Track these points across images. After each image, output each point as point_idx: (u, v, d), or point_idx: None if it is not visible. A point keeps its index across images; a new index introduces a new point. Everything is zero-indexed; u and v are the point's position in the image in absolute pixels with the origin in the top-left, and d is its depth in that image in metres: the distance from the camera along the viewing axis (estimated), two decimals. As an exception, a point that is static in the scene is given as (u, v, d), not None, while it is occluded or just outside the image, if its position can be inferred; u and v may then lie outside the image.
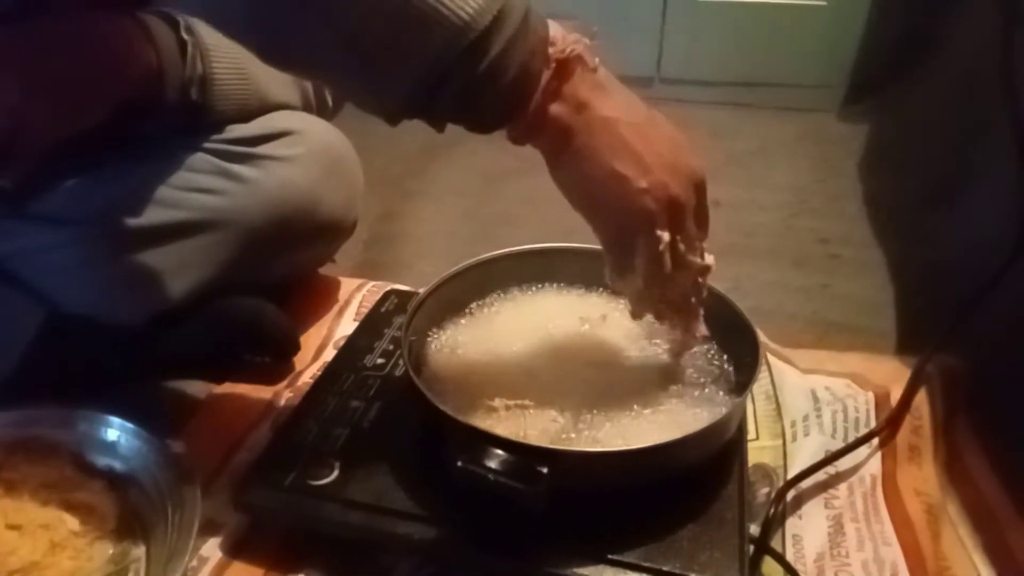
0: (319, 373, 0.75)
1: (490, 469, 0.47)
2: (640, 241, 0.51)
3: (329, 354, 0.82)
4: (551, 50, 0.46)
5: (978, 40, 0.97)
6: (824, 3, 1.95)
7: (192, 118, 0.72)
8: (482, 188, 1.49)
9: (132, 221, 0.71)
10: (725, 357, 0.65)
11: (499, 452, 0.48)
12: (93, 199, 0.71)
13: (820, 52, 1.99)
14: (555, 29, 0.47)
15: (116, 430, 0.64)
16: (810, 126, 1.88)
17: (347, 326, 0.87)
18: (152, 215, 0.71)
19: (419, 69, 0.43)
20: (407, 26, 0.42)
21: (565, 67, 0.47)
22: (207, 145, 0.75)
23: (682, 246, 0.52)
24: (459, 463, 0.48)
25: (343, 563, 0.56)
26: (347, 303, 0.91)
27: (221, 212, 0.73)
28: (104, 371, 0.72)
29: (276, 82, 0.79)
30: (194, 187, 0.73)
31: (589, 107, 0.48)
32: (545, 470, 0.48)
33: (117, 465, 0.63)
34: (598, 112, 0.48)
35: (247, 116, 0.77)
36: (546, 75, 0.46)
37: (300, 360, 0.81)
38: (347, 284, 0.96)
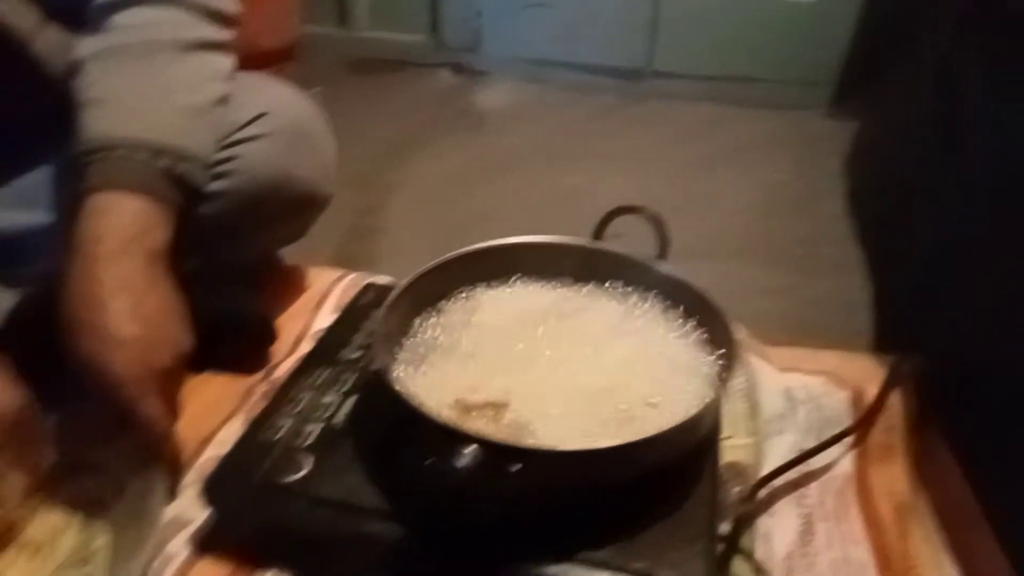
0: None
1: (458, 468, 0.46)
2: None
3: (307, 346, 0.81)
4: None
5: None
6: (813, -1, 1.95)
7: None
8: (458, 184, 1.49)
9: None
10: (703, 352, 0.64)
11: (467, 451, 0.47)
12: (65, 183, 0.70)
13: (809, 49, 2.00)
14: None
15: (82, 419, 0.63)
16: (797, 123, 1.89)
17: (325, 318, 0.86)
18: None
19: None
20: None
21: None
22: None
23: None
24: (427, 461, 0.48)
25: (311, 561, 0.56)
26: (326, 295, 0.91)
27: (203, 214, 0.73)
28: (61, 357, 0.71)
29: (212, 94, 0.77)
30: None
31: None
32: (514, 468, 0.47)
33: (82, 453, 0.62)
34: None
35: None
36: None
37: (277, 352, 0.80)
38: (326, 276, 0.95)
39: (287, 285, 0.93)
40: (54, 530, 0.57)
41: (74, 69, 0.66)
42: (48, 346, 0.71)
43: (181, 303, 0.61)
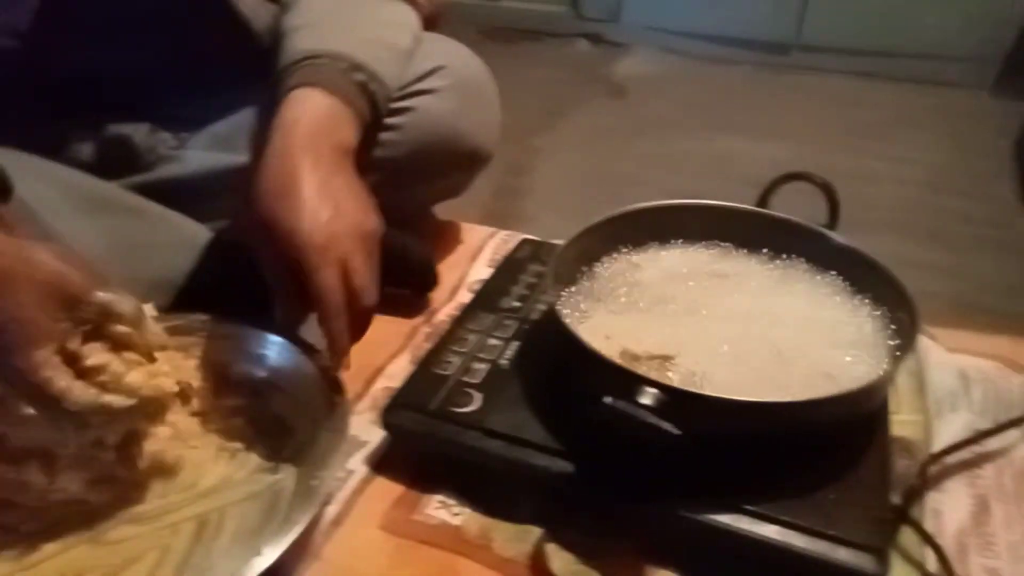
0: (456, 312, 0.78)
1: (640, 406, 0.48)
2: None
3: (463, 295, 0.84)
4: None
5: None
6: (988, -31, 1.82)
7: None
8: (602, 149, 1.49)
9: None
10: (875, 324, 0.63)
11: (650, 390, 0.48)
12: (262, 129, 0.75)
13: (974, 23, 1.86)
14: None
15: (266, 343, 0.68)
16: (958, 101, 1.77)
17: (480, 270, 0.89)
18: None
19: None
20: None
21: None
22: None
23: None
24: (606, 400, 0.49)
25: (477, 489, 0.59)
26: (481, 249, 0.94)
27: (380, 149, 0.77)
28: (259, 292, 0.77)
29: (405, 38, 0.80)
30: None
31: None
32: (691, 414, 0.48)
33: (264, 375, 0.67)
34: None
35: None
36: None
37: (436, 298, 0.84)
38: (479, 231, 0.98)
39: (442, 238, 0.97)
40: (247, 439, 0.63)
41: (286, 7, 0.71)
42: (238, 276, 0.77)
43: (369, 193, 0.64)
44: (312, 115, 0.63)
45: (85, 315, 0.50)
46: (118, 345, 0.52)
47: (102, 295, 0.50)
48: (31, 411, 0.57)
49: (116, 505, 0.56)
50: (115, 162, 0.77)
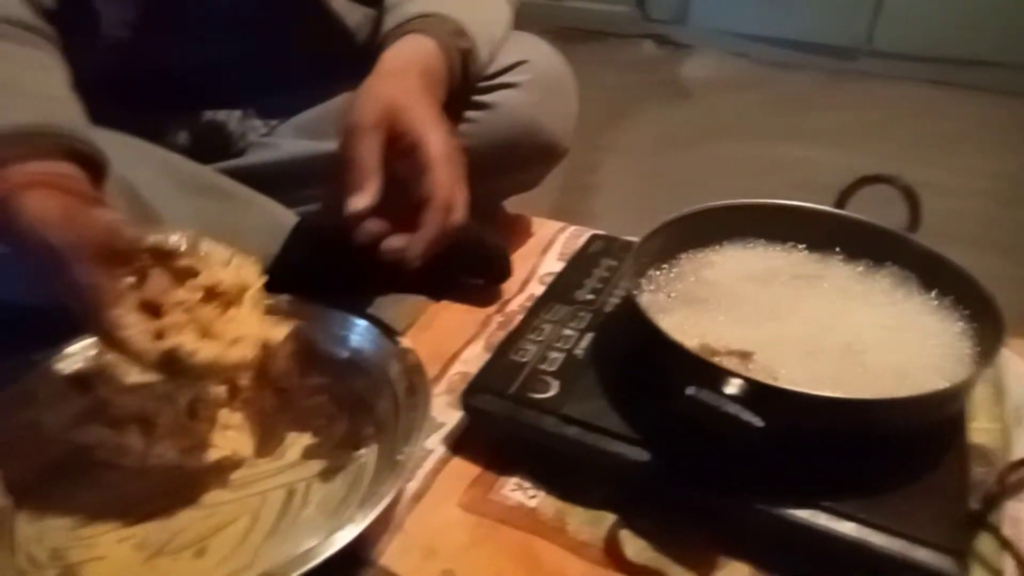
0: (528, 303, 0.79)
1: (724, 397, 0.49)
2: None
3: (534, 287, 0.86)
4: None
5: None
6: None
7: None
8: (669, 149, 1.50)
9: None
10: (957, 330, 0.62)
11: (736, 381, 0.49)
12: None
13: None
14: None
15: (350, 325, 0.71)
16: (1034, 111, 1.72)
17: (551, 264, 0.91)
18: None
19: None
20: None
21: None
22: None
23: None
24: (689, 390, 0.50)
25: (553, 473, 0.60)
26: (551, 243, 0.96)
27: (464, 139, 0.79)
28: (341, 275, 0.79)
29: (501, 27, 0.83)
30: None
31: None
32: (773, 409, 0.49)
33: (346, 355, 0.70)
34: None
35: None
36: None
37: (507, 289, 0.86)
38: (549, 226, 1.00)
39: (512, 231, 0.98)
40: (330, 416, 0.66)
41: None
42: (317, 264, 0.80)
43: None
44: (412, 54, 0.68)
45: (143, 261, 0.49)
46: (184, 277, 0.51)
47: (151, 237, 0.50)
48: (133, 379, 0.61)
49: (209, 472, 0.60)
50: (209, 147, 0.80)
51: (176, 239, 0.51)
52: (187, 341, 0.50)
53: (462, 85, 0.74)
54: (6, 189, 0.50)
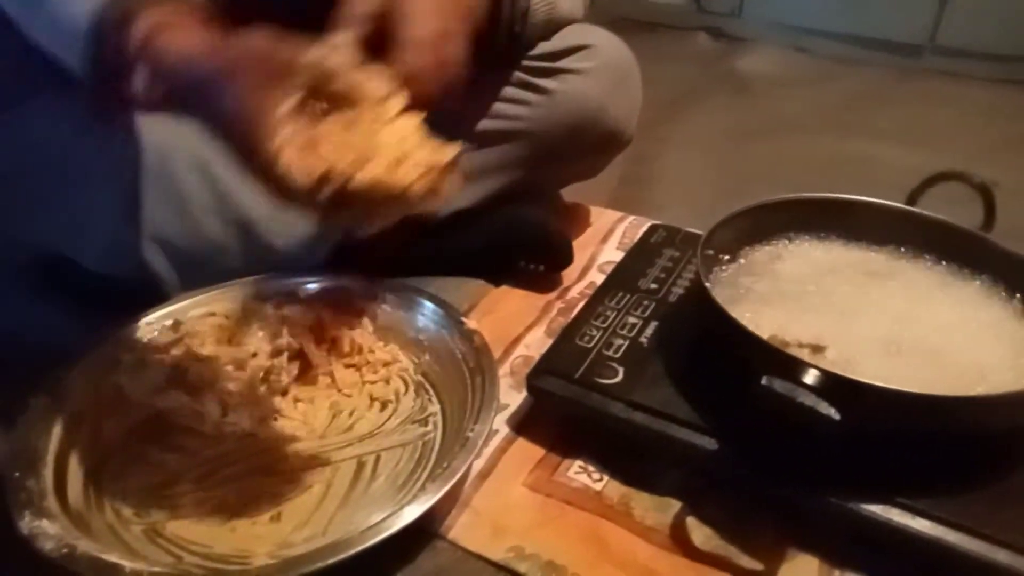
0: (588, 291, 0.80)
1: (801, 387, 0.48)
2: None
3: (594, 275, 0.86)
4: None
5: None
6: None
7: (514, 48, 0.78)
8: (729, 142, 1.48)
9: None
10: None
11: (813, 371, 0.49)
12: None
13: None
14: None
15: (416, 304, 0.72)
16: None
17: (611, 253, 0.91)
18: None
19: None
20: None
21: None
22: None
23: None
24: (763, 380, 0.50)
25: (618, 458, 0.61)
26: (611, 232, 0.95)
27: (524, 122, 0.80)
28: (405, 257, 0.81)
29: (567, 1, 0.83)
30: (503, 98, 0.80)
31: None
32: (849, 402, 0.48)
33: (412, 334, 0.71)
34: None
35: (550, 35, 0.82)
36: None
37: (567, 276, 0.86)
38: (608, 215, 1.00)
39: (571, 219, 0.99)
40: (397, 392, 0.67)
41: None
42: (381, 245, 0.81)
43: None
44: None
45: (301, 82, 0.44)
46: (342, 103, 0.46)
47: (309, 56, 0.45)
48: (208, 350, 0.63)
49: (281, 441, 0.61)
50: None
51: (336, 58, 0.46)
52: (344, 164, 0.43)
53: (508, 36, 0.72)
54: (142, 37, 0.48)
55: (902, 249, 0.72)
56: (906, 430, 0.52)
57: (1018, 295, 0.64)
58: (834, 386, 0.49)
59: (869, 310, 0.64)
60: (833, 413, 0.47)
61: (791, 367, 0.50)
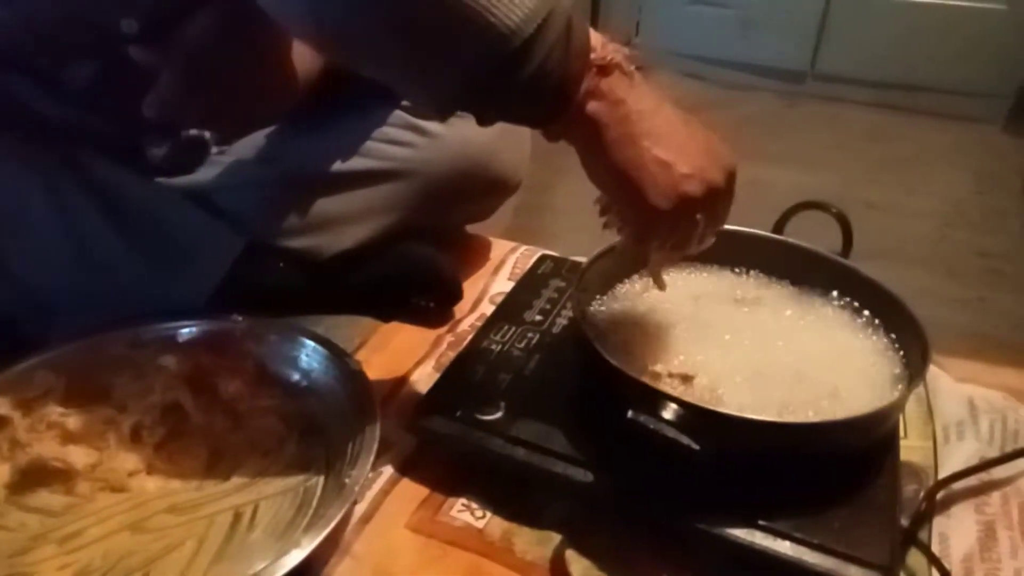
0: (479, 323, 0.80)
1: (662, 422, 0.50)
2: (675, 222, 0.54)
3: (485, 307, 0.87)
4: (592, 56, 0.49)
5: None
6: (1004, 7, 1.85)
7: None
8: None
9: (330, 167, 0.78)
10: (888, 352, 0.65)
11: (672, 405, 0.51)
12: (299, 144, 0.79)
13: (992, 59, 1.89)
14: (596, 37, 0.50)
15: (300, 346, 0.71)
16: (972, 136, 1.80)
17: (502, 284, 0.92)
18: (348, 163, 0.78)
19: (464, 72, 0.45)
20: (455, 29, 0.43)
21: (604, 72, 0.49)
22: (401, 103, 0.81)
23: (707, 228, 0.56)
24: (629, 414, 0.52)
25: (500, 495, 0.61)
26: (502, 263, 0.97)
27: (408, 163, 0.80)
28: (292, 296, 0.80)
29: None
30: (386, 139, 0.80)
31: (625, 103, 0.50)
32: (710, 431, 0.50)
33: (296, 376, 0.70)
34: (634, 106, 0.51)
35: None
36: (587, 80, 0.49)
37: (459, 309, 0.86)
38: (500, 245, 1.01)
39: (466, 250, 0.99)
40: (279, 438, 0.66)
41: None
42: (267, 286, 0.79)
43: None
44: None
45: None
46: None
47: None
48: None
49: (155, 494, 0.59)
50: (181, 163, 0.79)
51: None
52: None
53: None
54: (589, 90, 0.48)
55: (772, 275, 0.75)
56: (764, 455, 0.54)
57: (868, 314, 0.69)
58: (693, 417, 0.51)
59: (740, 338, 0.67)
60: (692, 444, 0.49)
61: (654, 401, 0.52)
